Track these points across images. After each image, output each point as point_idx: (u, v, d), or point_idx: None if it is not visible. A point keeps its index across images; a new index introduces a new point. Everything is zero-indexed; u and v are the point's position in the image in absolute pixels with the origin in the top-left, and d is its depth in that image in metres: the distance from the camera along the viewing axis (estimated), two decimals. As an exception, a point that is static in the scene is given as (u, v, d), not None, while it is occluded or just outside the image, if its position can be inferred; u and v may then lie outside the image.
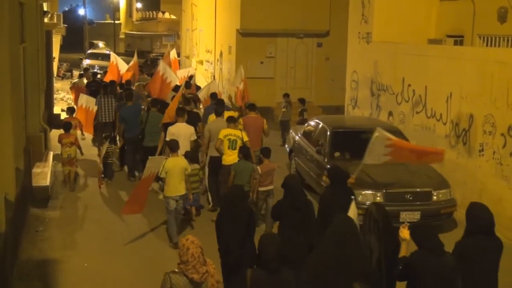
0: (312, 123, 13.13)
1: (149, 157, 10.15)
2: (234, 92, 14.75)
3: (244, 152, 9.80)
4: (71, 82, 23.92)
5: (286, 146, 14.53)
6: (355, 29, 16.45)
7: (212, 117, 11.93)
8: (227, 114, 11.59)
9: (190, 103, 13.00)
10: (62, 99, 24.79)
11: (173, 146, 9.68)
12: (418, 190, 10.19)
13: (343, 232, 5.17)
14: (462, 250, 5.44)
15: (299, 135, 13.31)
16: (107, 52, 27.07)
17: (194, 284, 4.39)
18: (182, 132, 10.98)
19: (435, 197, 10.18)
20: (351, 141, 11.54)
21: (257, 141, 11.59)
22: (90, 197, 12.04)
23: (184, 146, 10.75)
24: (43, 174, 12.03)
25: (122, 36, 58.39)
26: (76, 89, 18.76)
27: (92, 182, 12.87)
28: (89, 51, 38.93)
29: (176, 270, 4.50)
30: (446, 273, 5.13)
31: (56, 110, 20.43)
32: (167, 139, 10.79)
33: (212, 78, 26.36)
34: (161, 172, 9.44)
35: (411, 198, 10.06)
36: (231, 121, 10.81)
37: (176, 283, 4.39)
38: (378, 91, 15.05)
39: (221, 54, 24.55)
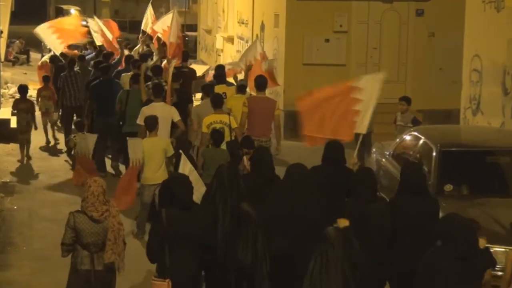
0: (407, 137, 13.16)
1: (128, 139, 13.00)
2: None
3: (215, 137, 11.99)
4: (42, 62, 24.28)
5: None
6: (478, -12, 16.49)
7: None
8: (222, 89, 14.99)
9: (179, 80, 15.81)
10: (14, 97, 23.64)
11: (150, 124, 12.27)
12: None
13: (294, 181, 8.33)
14: (393, 206, 8.74)
15: (387, 155, 13.41)
16: (83, 22, 27.23)
17: (94, 221, 7.29)
18: (158, 114, 12.80)
19: None
20: (471, 167, 11.54)
21: (264, 129, 13.56)
22: (53, 248, 11.73)
23: (162, 131, 13.16)
24: (-17, 214, 12.30)
25: (106, -2, 59.14)
26: (45, 69, 21.53)
27: (53, 220, 13.27)
28: (55, 22, 39.44)
29: (79, 209, 7.40)
30: (375, 218, 8.34)
31: (4, 112, 20.61)
32: (138, 122, 13.39)
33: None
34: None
35: None
36: (218, 104, 13.08)
37: (79, 220, 7.34)
38: (514, 87, 15.07)
39: (262, 27, 24.70)
